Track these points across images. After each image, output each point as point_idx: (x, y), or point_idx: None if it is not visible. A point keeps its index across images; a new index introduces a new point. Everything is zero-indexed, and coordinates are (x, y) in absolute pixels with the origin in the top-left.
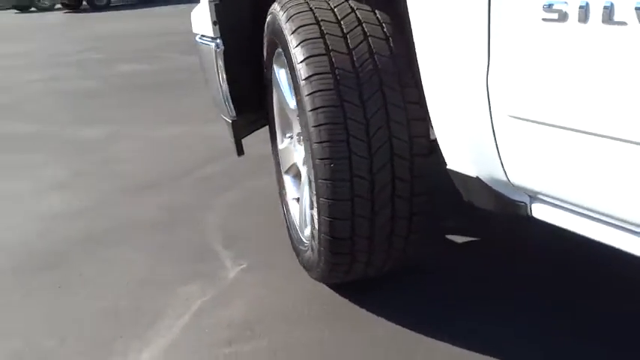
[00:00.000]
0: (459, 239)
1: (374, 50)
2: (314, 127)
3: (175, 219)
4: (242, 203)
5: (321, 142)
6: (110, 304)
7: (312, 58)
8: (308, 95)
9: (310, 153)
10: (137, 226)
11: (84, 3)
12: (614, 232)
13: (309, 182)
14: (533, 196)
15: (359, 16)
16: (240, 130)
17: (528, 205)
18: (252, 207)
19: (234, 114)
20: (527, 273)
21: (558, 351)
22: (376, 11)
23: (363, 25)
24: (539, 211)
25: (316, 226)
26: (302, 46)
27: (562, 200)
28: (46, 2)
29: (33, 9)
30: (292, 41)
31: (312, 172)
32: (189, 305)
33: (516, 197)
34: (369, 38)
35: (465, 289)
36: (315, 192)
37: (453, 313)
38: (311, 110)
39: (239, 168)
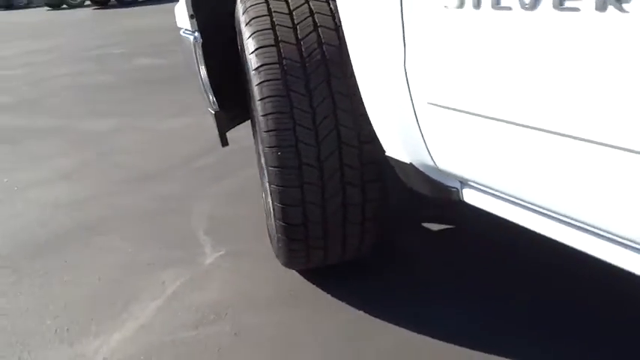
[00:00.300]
0: (431, 227)
1: (323, 40)
2: (262, 116)
3: (166, 208)
4: (231, 193)
5: (268, 131)
6: (91, 288)
7: (261, 49)
8: (257, 85)
9: (261, 141)
10: (129, 214)
11: None
12: (538, 219)
13: (263, 170)
14: (464, 182)
15: (312, 7)
16: (224, 122)
17: (460, 190)
18: (241, 197)
19: (216, 106)
20: (495, 261)
21: (510, 339)
22: (330, 2)
23: (315, 15)
24: (470, 197)
25: (272, 213)
26: (253, 38)
27: (485, 186)
28: None
29: (64, 6)
30: (245, 33)
31: (263, 160)
32: (165, 289)
33: (448, 182)
34: (319, 29)
35: (432, 277)
36: (267, 179)
37: (417, 300)
38: (259, 100)
39: (233, 159)
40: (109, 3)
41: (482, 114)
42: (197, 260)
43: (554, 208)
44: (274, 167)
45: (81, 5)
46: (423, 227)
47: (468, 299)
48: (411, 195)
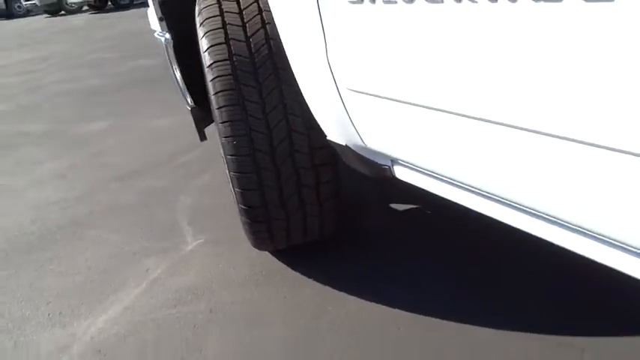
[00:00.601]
0: (395, 207)
1: (270, 36)
2: (217, 109)
3: (151, 201)
4: (212, 186)
5: (223, 122)
6: (81, 277)
7: (213, 47)
8: (210, 81)
9: (218, 133)
10: (117, 209)
11: (109, 3)
12: (461, 193)
13: (224, 159)
14: (394, 160)
15: (260, 5)
16: (200, 117)
17: (391, 168)
18: (221, 189)
19: (191, 103)
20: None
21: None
22: None
23: (263, 13)
24: (401, 173)
25: (235, 198)
26: (206, 37)
27: (408, 162)
28: (74, 5)
29: (62, 12)
30: (200, 33)
31: (222, 149)
32: (148, 275)
33: (380, 161)
34: (267, 26)
35: (392, 255)
36: (226, 167)
37: (376, 276)
38: (213, 94)
39: (214, 154)
40: (107, 7)
41: (390, 97)
42: (179, 248)
43: (465, 181)
44: (231, 155)
45: (79, 11)
46: (386, 209)
47: (424, 274)
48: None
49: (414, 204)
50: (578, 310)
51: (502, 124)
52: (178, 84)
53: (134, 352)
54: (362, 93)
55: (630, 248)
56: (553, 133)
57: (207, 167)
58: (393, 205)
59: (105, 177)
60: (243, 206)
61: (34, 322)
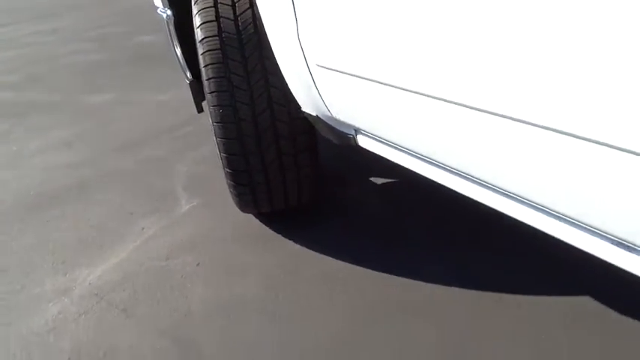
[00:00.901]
0: (375, 180)
1: (257, 16)
2: (206, 80)
3: (150, 169)
4: (207, 156)
5: (211, 92)
6: (83, 233)
7: (204, 24)
8: (201, 55)
9: (207, 102)
10: (118, 174)
11: None
12: (412, 160)
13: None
14: (357, 129)
15: None
16: (198, 91)
17: (355, 137)
18: (215, 159)
19: (190, 77)
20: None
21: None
22: None
23: None
24: (363, 142)
25: (222, 163)
26: (199, 15)
27: (367, 132)
28: None
29: None
30: (194, 10)
31: (210, 117)
32: (144, 233)
33: (346, 130)
34: (254, 6)
35: (367, 221)
36: (214, 134)
37: (352, 239)
38: (203, 67)
39: (210, 127)
40: None
41: (351, 73)
42: (173, 210)
43: (417, 150)
44: (217, 123)
45: None
46: (365, 182)
47: (393, 238)
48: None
49: (391, 178)
50: (517, 271)
51: (439, 98)
52: (178, 59)
53: (127, 295)
54: (328, 69)
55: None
56: (487, 108)
57: (202, 140)
58: (372, 179)
59: (108, 145)
60: (228, 170)
61: (40, 269)
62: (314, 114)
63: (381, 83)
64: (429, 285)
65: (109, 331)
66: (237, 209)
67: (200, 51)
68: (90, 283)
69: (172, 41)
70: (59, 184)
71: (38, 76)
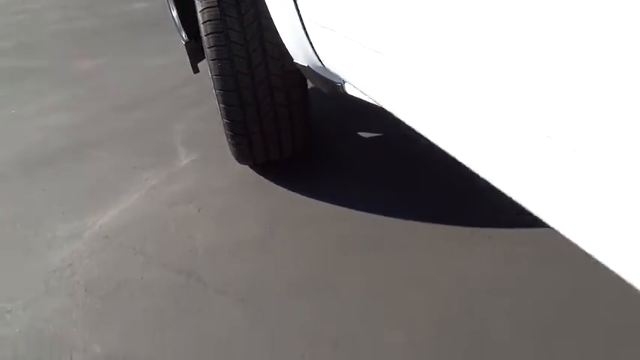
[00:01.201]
0: (363, 134)
1: None
2: (205, 35)
3: (149, 127)
4: (205, 115)
5: (210, 47)
6: (89, 185)
7: None
8: (200, 12)
9: (206, 56)
10: (119, 133)
11: None
12: (393, 103)
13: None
14: (345, 79)
15: None
16: (194, 51)
17: (343, 85)
18: (213, 117)
19: (186, 37)
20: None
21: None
22: None
23: None
24: (350, 90)
25: (220, 114)
26: None
27: (350, 81)
28: None
29: None
30: None
31: (209, 71)
32: (147, 184)
33: (335, 79)
34: None
35: (356, 171)
36: (213, 86)
37: (340, 186)
38: (202, 23)
39: (208, 88)
40: None
41: (337, 31)
42: (173, 163)
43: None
44: (216, 76)
45: None
46: (354, 137)
47: (378, 185)
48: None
49: (377, 133)
50: (487, 205)
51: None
52: (174, 21)
53: (135, 236)
54: (320, 25)
55: None
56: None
57: (200, 101)
58: (360, 133)
59: (106, 107)
60: (226, 120)
61: (51, 217)
62: (305, 64)
63: (364, 46)
64: (407, 222)
65: (121, 266)
66: (234, 162)
67: (199, 8)
68: (100, 227)
69: (169, 4)
70: (61, 143)
71: (31, 43)
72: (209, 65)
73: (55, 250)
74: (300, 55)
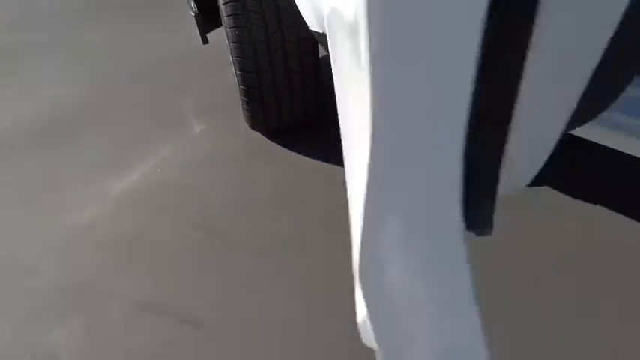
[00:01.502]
0: None
1: None
2: (223, 4)
3: (159, 98)
4: (215, 85)
5: (227, 16)
6: (105, 154)
7: None
8: None
9: (224, 24)
10: (129, 104)
11: None
12: None
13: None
14: None
15: None
16: (203, 23)
17: None
18: (223, 87)
19: (195, 9)
20: None
21: None
22: None
23: None
24: None
25: (236, 81)
26: None
27: None
28: None
29: None
30: None
31: (227, 38)
32: (159, 153)
33: None
34: None
35: None
36: (230, 54)
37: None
38: None
39: (218, 61)
40: None
41: None
42: (185, 133)
43: None
44: (234, 43)
45: None
46: None
47: None
48: None
49: None
50: None
51: None
52: None
53: (155, 198)
54: None
55: None
56: None
57: (210, 72)
58: None
59: (115, 78)
60: (242, 86)
61: (74, 182)
62: (320, 31)
63: None
64: None
65: (143, 223)
66: (244, 130)
67: None
68: (121, 189)
69: None
70: (72, 115)
71: (29, 19)
72: (226, 33)
73: (80, 211)
74: (315, 22)
